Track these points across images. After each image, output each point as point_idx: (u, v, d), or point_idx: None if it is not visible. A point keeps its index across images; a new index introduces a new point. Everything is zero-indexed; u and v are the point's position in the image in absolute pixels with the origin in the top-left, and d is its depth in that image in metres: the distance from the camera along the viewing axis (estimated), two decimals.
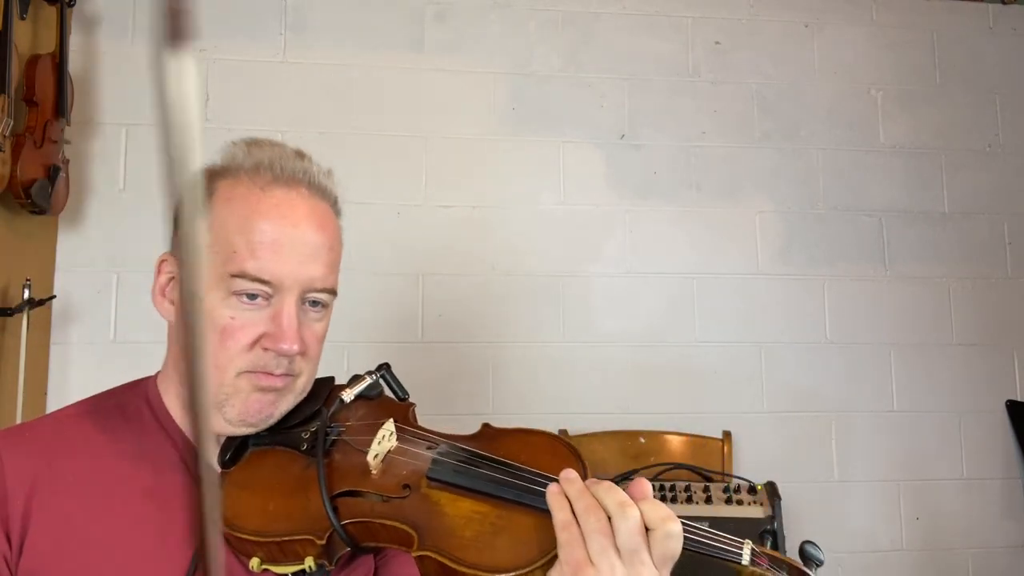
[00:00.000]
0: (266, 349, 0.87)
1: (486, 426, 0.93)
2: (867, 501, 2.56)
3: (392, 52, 2.56)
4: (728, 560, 0.77)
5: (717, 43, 2.71)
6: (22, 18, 2.09)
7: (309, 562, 0.80)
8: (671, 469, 2.23)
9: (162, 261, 0.94)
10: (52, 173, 2.11)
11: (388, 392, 0.99)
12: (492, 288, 2.51)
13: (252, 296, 0.86)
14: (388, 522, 0.79)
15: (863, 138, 2.72)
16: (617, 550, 0.71)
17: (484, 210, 2.53)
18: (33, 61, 2.11)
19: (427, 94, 2.55)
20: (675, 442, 2.44)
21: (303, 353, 0.90)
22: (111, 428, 0.90)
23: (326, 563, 0.81)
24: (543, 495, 0.77)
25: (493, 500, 0.80)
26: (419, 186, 2.51)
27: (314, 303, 0.92)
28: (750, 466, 2.45)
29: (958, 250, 2.71)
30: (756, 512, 2.03)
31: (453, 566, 0.74)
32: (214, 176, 0.90)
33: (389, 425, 0.89)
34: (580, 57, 2.64)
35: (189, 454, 0.90)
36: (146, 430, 0.91)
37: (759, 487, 2.10)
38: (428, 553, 0.75)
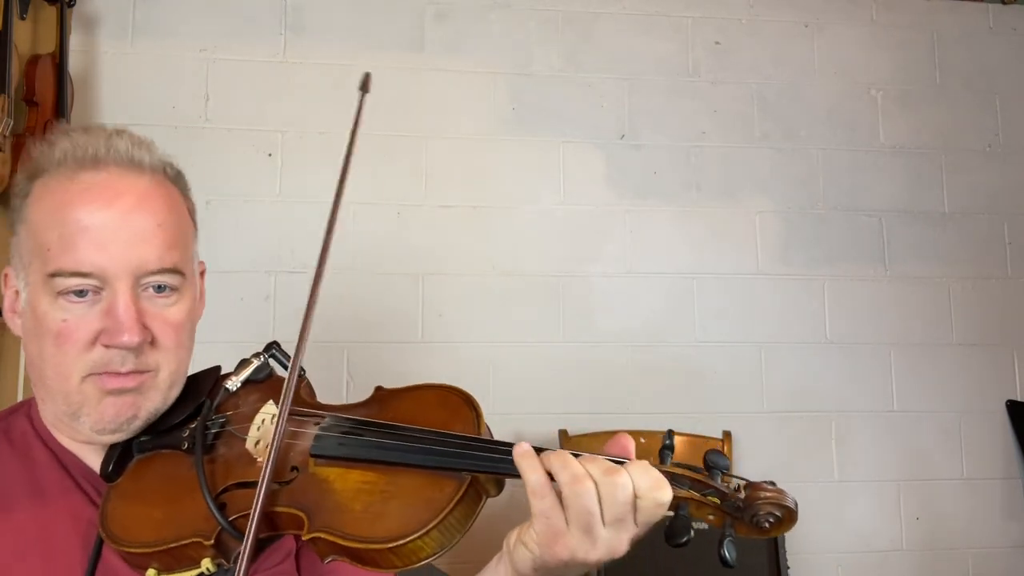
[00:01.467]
0: (107, 346, 0.80)
1: (378, 389, 0.88)
2: (867, 501, 2.55)
3: (392, 52, 2.56)
4: None
5: (717, 43, 2.71)
6: (22, 18, 2.09)
7: (206, 564, 0.76)
8: None
9: (5, 276, 0.88)
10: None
11: (280, 372, 0.92)
12: (492, 288, 2.51)
13: (80, 293, 0.79)
14: (278, 508, 0.75)
15: (863, 138, 2.72)
16: (603, 520, 0.68)
17: (484, 210, 2.53)
18: (33, 61, 2.11)
19: (427, 94, 2.55)
20: (675, 442, 2.44)
21: (152, 343, 0.82)
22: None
23: (224, 562, 0.77)
24: (428, 452, 0.74)
25: (381, 467, 0.76)
26: (419, 186, 2.51)
27: (159, 288, 0.83)
28: (750, 466, 2.45)
29: (958, 250, 2.71)
30: None
31: (345, 543, 0.71)
32: (31, 177, 0.84)
33: (269, 407, 0.84)
34: (580, 57, 2.64)
35: (75, 469, 0.87)
36: (25, 450, 0.87)
37: None
38: (318, 534, 0.72)
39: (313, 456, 0.79)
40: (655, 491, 0.69)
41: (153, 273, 0.82)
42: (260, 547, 0.84)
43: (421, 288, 2.48)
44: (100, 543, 0.80)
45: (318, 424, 0.81)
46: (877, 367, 2.62)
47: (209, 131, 2.43)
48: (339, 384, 2.34)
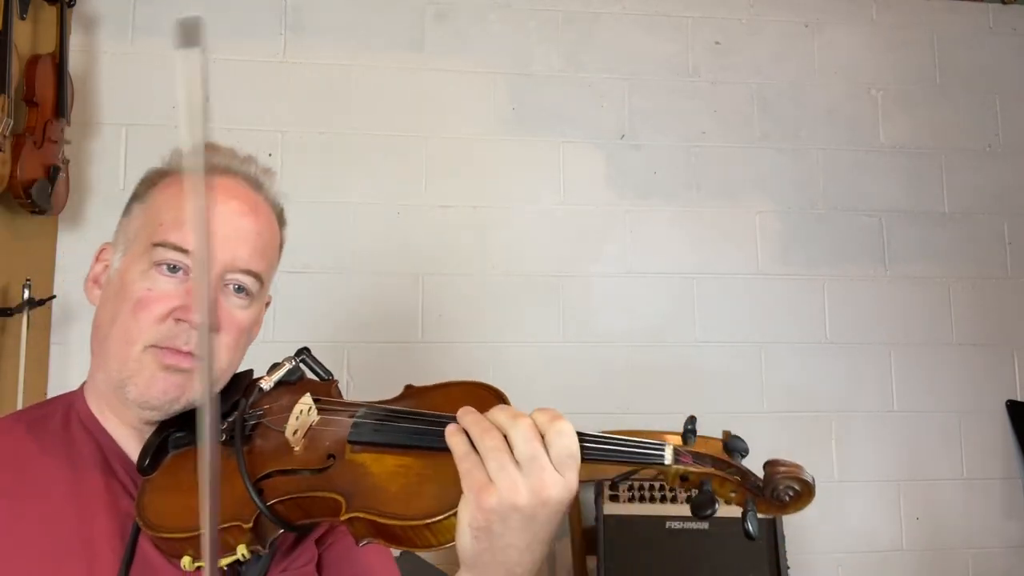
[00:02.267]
0: (178, 320, 0.84)
1: (408, 387, 0.91)
2: (867, 501, 2.56)
3: (392, 52, 2.56)
4: (650, 463, 0.76)
5: (717, 43, 2.71)
6: (22, 18, 2.09)
7: (242, 550, 0.78)
8: None
9: (101, 250, 0.94)
10: (52, 173, 2.11)
11: (310, 375, 0.97)
12: (492, 288, 2.51)
13: (173, 269, 0.85)
14: (316, 494, 0.78)
15: (863, 138, 2.72)
16: (516, 463, 0.70)
17: (484, 210, 2.53)
18: (33, 61, 2.11)
19: (427, 94, 2.55)
20: (675, 442, 2.44)
21: (216, 330, 0.87)
22: (38, 438, 0.88)
23: (260, 548, 0.79)
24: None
25: (416, 451, 0.79)
26: (419, 186, 2.51)
27: (238, 288, 0.90)
28: (750, 466, 2.45)
29: (958, 250, 2.71)
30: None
31: (382, 520, 0.73)
32: (161, 174, 0.93)
33: (306, 399, 0.88)
34: (580, 57, 2.64)
35: (115, 458, 0.89)
36: (68, 439, 0.89)
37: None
38: (356, 514, 0.74)
39: (351, 443, 0.82)
40: (554, 422, 0.72)
41: (240, 271, 0.89)
42: (296, 541, 0.89)
43: (421, 288, 2.48)
44: (136, 532, 0.83)
45: (352, 415, 0.85)
46: (877, 367, 2.62)
47: (209, 131, 2.43)
48: (340, 385, 2.33)
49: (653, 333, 2.55)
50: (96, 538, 0.82)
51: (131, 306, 0.85)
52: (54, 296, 2.25)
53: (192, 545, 0.79)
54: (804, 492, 0.77)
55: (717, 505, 0.76)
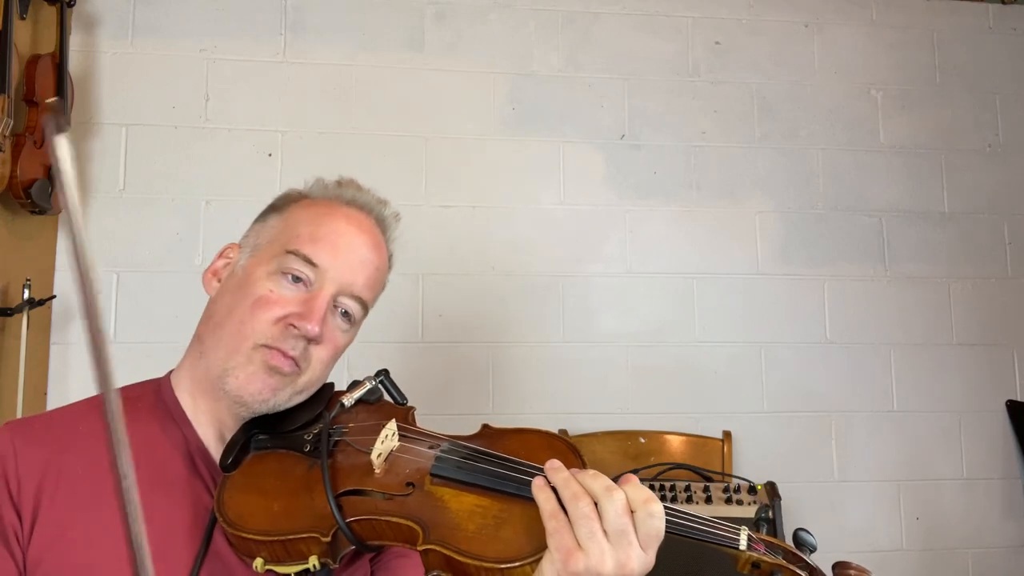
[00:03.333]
0: (289, 326, 0.90)
1: (485, 426, 0.94)
2: (867, 501, 2.56)
3: (392, 52, 2.56)
4: (725, 545, 0.78)
5: (717, 43, 2.71)
6: (22, 18, 2.09)
7: (313, 561, 0.80)
8: (671, 469, 2.23)
9: (228, 248, 1.01)
10: (52, 173, 2.11)
11: (387, 397, 1.00)
12: (492, 288, 2.51)
13: (296, 279, 0.92)
14: (393, 519, 0.81)
15: (863, 138, 2.72)
16: (605, 533, 0.73)
17: (484, 210, 2.53)
18: (33, 61, 2.11)
19: (427, 94, 2.55)
20: (675, 442, 2.44)
21: (319, 343, 0.92)
22: (131, 420, 0.89)
23: (330, 562, 0.82)
24: None
25: (495, 494, 0.81)
26: (419, 186, 2.51)
27: (345, 313, 0.96)
28: (750, 466, 2.45)
29: (958, 250, 2.71)
30: (752, 512, 2.04)
31: (458, 558, 0.75)
32: (302, 195, 1.02)
33: (392, 425, 0.90)
34: (580, 57, 2.64)
35: (196, 451, 0.92)
36: (156, 425, 0.92)
37: (759, 487, 2.10)
38: (433, 547, 0.76)
39: (432, 475, 0.84)
40: (647, 504, 0.74)
41: (353, 296, 0.95)
42: (354, 556, 0.92)
43: (421, 288, 2.48)
44: (212, 526, 0.86)
45: (433, 447, 0.89)
46: (877, 367, 2.62)
47: (209, 131, 2.44)
48: (340, 386, 2.33)
49: (653, 333, 2.55)
50: (176, 527, 0.85)
51: (251, 302, 0.91)
52: (54, 296, 2.25)
53: (266, 548, 0.81)
54: None
55: None
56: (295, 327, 0.90)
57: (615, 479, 0.77)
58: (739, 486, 2.11)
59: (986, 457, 2.62)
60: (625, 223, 2.59)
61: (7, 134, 1.95)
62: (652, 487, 2.14)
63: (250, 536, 0.81)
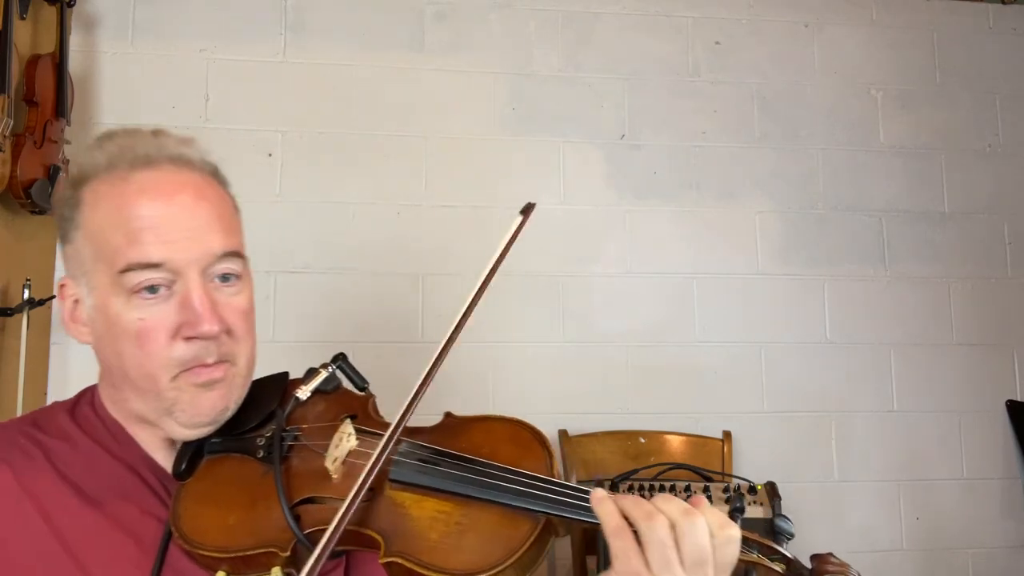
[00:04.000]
0: (188, 339, 0.81)
1: (448, 415, 0.90)
2: (867, 501, 2.56)
3: (392, 52, 2.56)
4: None
5: (717, 43, 2.71)
6: (22, 18, 2.09)
7: (276, 572, 0.78)
8: (671, 469, 2.23)
9: (62, 286, 0.88)
10: (52, 173, 2.11)
11: (347, 383, 0.94)
12: (492, 288, 2.50)
13: (152, 289, 0.80)
14: (352, 528, 0.77)
15: (863, 138, 2.72)
16: (682, 561, 0.68)
17: (484, 210, 2.53)
18: (33, 61, 2.11)
19: (427, 94, 2.55)
20: (675, 442, 2.44)
21: (229, 333, 0.83)
22: (65, 440, 0.86)
23: (293, 572, 0.78)
24: (506, 491, 0.76)
25: (457, 498, 0.78)
26: (419, 186, 2.51)
27: (224, 277, 0.85)
28: (750, 466, 2.45)
29: (958, 250, 2.71)
30: (756, 512, 2.03)
31: (420, 570, 0.72)
32: (77, 185, 0.85)
33: (347, 427, 0.85)
34: (580, 57, 2.64)
35: (143, 464, 0.87)
36: (98, 442, 0.87)
37: (759, 487, 2.10)
38: (395, 559, 0.74)
39: (391, 480, 0.80)
40: (725, 529, 0.70)
41: (219, 258, 0.83)
42: (334, 555, 0.85)
43: (421, 288, 2.48)
44: (167, 539, 0.81)
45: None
46: (877, 367, 2.62)
47: (209, 131, 2.43)
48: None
49: (653, 333, 2.55)
50: (125, 543, 0.82)
51: (132, 341, 0.81)
52: (54, 296, 2.24)
53: (227, 563, 0.78)
54: None
55: None
56: (193, 337, 0.81)
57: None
58: (739, 486, 2.11)
59: (986, 457, 2.62)
60: (625, 223, 2.59)
61: (7, 134, 1.95)
62: (652, 487, 2.14)
63: (208, 553, 0.78)
